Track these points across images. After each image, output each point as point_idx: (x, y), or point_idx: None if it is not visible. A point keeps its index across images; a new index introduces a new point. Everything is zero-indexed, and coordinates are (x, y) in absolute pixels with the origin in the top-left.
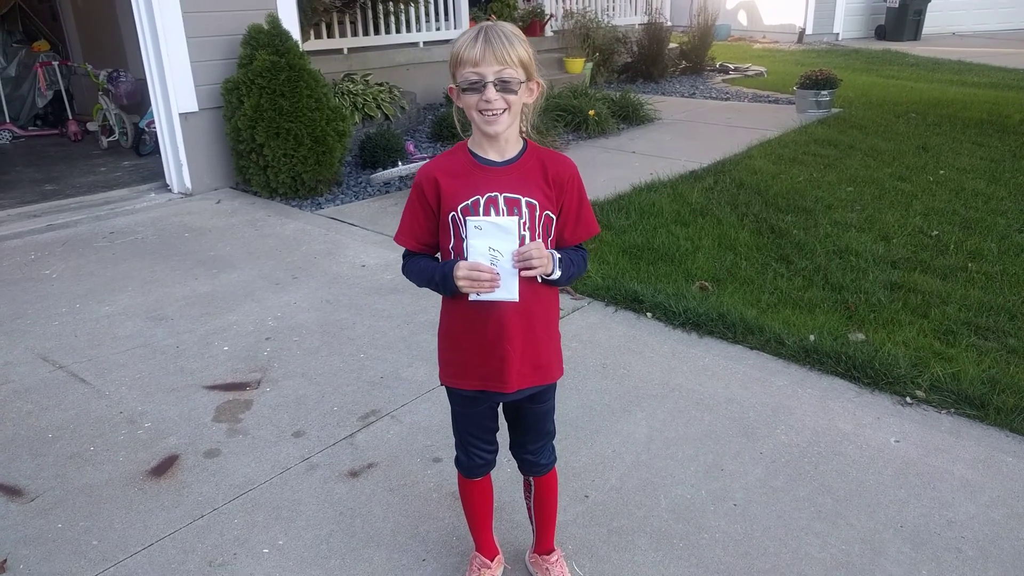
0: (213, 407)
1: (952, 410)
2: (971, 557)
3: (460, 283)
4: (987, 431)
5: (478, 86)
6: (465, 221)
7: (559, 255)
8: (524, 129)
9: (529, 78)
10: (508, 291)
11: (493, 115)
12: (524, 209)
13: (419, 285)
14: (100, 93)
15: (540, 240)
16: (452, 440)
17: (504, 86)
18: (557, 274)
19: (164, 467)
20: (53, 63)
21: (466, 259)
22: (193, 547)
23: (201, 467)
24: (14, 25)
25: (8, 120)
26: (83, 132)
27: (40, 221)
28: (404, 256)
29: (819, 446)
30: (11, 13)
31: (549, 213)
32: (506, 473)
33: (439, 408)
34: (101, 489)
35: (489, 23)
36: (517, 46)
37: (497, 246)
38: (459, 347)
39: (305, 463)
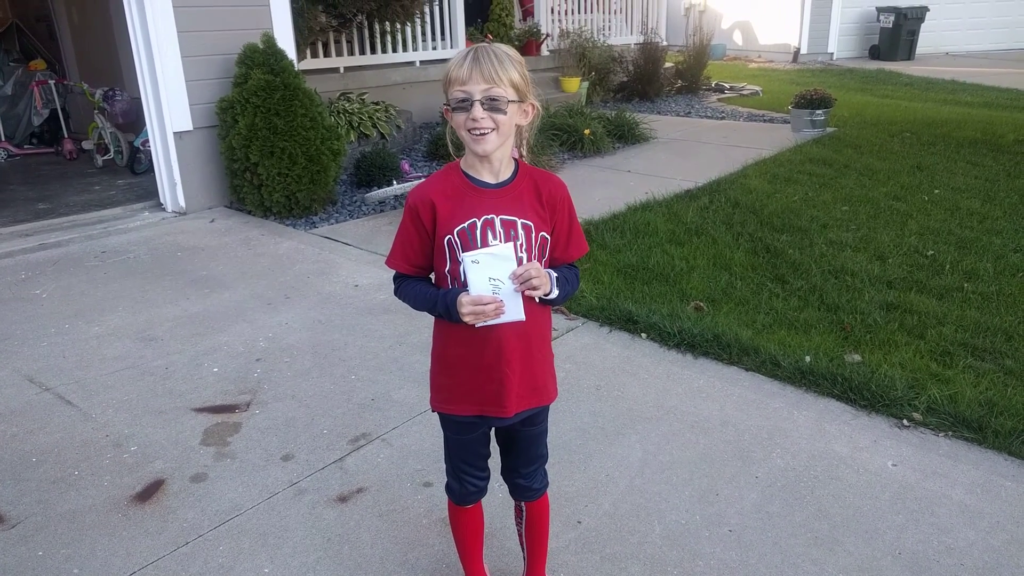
0: (201, 430)
1: (950, 433)
2: None
3: (466, 318)
4: (985, 454)
5: (466, 104)
6: (461, 258)
7: (556, 274)
8: (523, 154)
9: (522, 99)
10: (514, 313)
11: (481, 134)
12: (520, 231)
13: (416, 309)
14: (96, 112)
15: (536, 261)
16: (443, 464)
17: (492, 104)
18: (555, 293)
19: (149, 492)
20: (49, 82)
21: (466, 288)
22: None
23: (187, 492)
24: (11, 44)
25: (3, 138)
26: (78, 151)
27: (32, 240)
28: (395, 279)
29: (815, 470)
30: (8, 32)
31: (544, 234)
32: (497, 498)
33: (431, 431)
34: (84, 515)
35: (484, 44)
36: (508, 67)
37: (496, 275)
38: (455, 371)
39: (293, 488)
